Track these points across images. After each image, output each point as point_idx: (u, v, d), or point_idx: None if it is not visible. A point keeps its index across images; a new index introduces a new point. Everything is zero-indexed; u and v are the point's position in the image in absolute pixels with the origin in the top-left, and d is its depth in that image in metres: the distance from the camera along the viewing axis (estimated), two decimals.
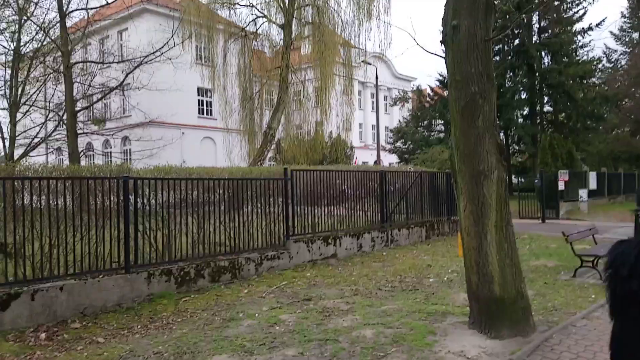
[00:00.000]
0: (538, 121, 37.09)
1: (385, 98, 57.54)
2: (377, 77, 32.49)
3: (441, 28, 5.69)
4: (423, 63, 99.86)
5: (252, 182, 10.01)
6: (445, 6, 5.54)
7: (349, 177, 12.46)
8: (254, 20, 26.73)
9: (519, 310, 5.62)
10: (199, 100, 40.87)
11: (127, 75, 23.68)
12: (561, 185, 22.75)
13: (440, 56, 5.64)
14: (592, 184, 26.06)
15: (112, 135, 27.88)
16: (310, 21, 26.42)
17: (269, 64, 27.29)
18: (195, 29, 25.99)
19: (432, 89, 35.83)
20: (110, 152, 42.15)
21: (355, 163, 37.08)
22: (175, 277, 8.10)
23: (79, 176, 7.94)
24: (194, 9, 25.23)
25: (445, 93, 35.68)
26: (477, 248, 5.62)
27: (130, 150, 41.03)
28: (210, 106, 40.62)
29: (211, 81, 27.38)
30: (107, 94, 24.09)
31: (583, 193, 23.74)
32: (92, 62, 24.36)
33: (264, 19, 26.57)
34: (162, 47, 24.94)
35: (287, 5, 25.40)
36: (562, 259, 10.75)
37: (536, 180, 23.19)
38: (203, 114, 41.26)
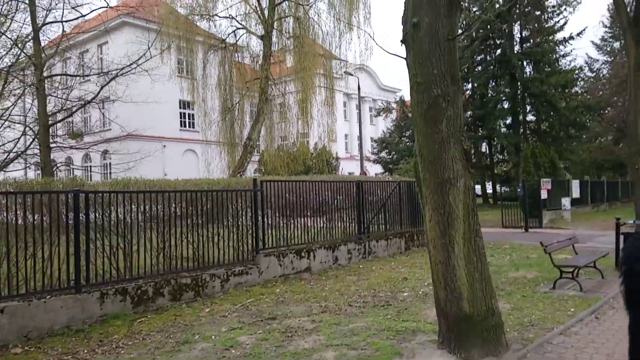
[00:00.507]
0: (522, 130, 37.10)
1: (370, 109, 57.53)
2: (359, 88, 32.32)
3: (402, 26, 5.33)
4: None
5: (219, 194, 9.56)
6: (405, 2, 5.19)
7: (324, 187, 12.04)
8: (233, 31, 26.48)
9: (490, 328, 5.23)
10: (180, 112, 40.43)
11: (102, 87, 23.15)
12: (544, 194, 22.55)
13: (402, 57, 5.28)
14: (575, 192, 25.92)
15: (88, 149, 27.25)
16: (291, 32, 26.20)
17: (249, 75, 26.92)
18: (174, 40, 25.61)
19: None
20: (90, 166, 41.50)
21: (341, 174, 36.75)
22: (131, 296, 7.60)
23: (28, 190, 7.45)
24: (173, 21, 24.90)
25: None
26: (445, 262, 5.23)
27: (110, 164, 40.48)
28: (193, 118, 40.13)
29: (190, 93, 27.05)
30: (81, 107, 23.46)
31: (566, 202, 23.56)
32: (66, 75, 23.83)
33: (244, 31, 26.29)
34: (139, 59, 24.49)
35: (266, 16, 25.14)
36: (543, 269, 10.42)
37: (518, 190, 22.98)
38: (185, 126, 40.81)
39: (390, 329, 6.44)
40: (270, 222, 10.60)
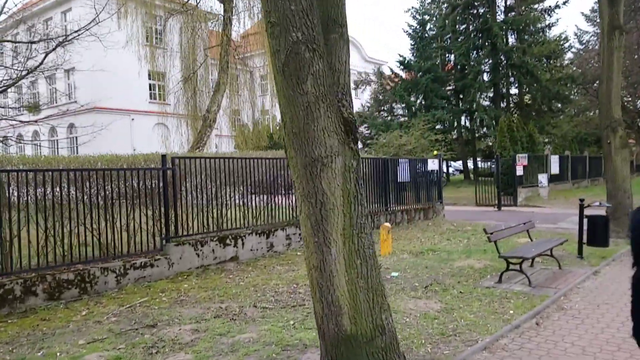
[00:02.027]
0: (505, 104, 35.82)
1: (354, 83, 55.85)
2: None
3: None
4: (398, 46, 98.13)
5: (120, 172, 8.25)
6: None
7: (258, 165, 10.73)
8: None
9: (379, 351, 4.01)
10: (150, 84, 38.70)
11: (45, 55, 21.32)
12: (519, 170, 21.40)
13: None
14: (554, 168, 24.82)
15: (37, 122, 25.53)
16: None
17: (213, 42, 25.27)
18: (131, 3, 23.92)
19: (392, 70, 34.18)
20: (57, 140, 39.92)
21: None
22: None
23: None
24: None
25: (406, 75, 34.15)
26: (319, 266, 3.98)
27: (76, 138, 38.94)
28: (163, 90, 38.45)
29: (150, 62, 25.41)
30: (24, 77, 21.65)
31: (543, 178, 22.44)
32: (4, 40, 21.91)
33: None
34: (89, 24, 22.82)
35: None
36: (496, 257, 9.21)
37: (493, 165, 21.81)
38: (155, 98, 39.13)
39: (281, 342, 5.23)
40: (193, 204, 9.34)
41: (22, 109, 27.33)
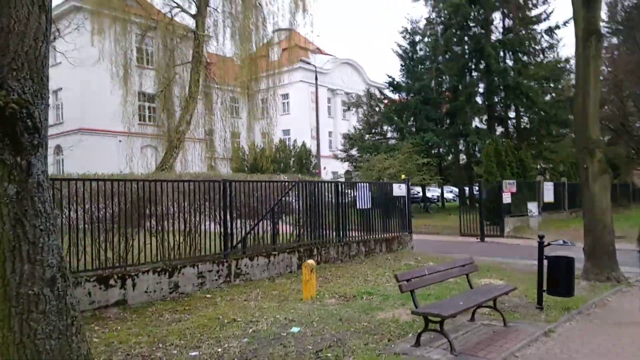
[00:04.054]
0: (503, 128, 34.11)
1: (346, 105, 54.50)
2: (316, 79, 29.59)
3: None
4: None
5: None
6: None
7: (165, 188, 9.15)
8: (170, 10, 23.68)
9: None
10: (140, 105, 37.67)
11: None
12: (506, 198, 19.61)
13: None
14: (548, 196, 22.95)
15: None
16: (229, 11, 23.31)
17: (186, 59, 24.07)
18: (106, 20, 22.85)
19: (380, 91, 32.74)
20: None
21: (319, 173, 33.95)
22: None
23: None
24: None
25: (395, 96, 32.71)
26: None
27: (62, 160, 37.97)
28: (154, 112, 37.46)
29: (122, 80, 24.12)
30: None
31: (532, 207, 20.61)
32: None
33: (178, 9, 23.47)
34: (53, 39, 21.75)
35: None
36: None
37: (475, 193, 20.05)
38: (145, 120, 38.07)
39: None
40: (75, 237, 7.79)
41: None
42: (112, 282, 7.92)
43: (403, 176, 18.42)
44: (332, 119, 56.66)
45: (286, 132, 51.67)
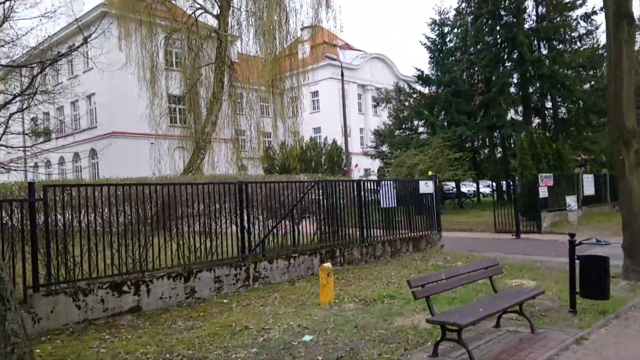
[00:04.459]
0: (540, 121, 32.92)
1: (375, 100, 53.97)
2: (342, 74, 29.02)
3: None
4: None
5: None
6: None
7: (181, 192, 8.99)
8: (193, 12, 23.71)
9: None
10: (170, 107, 38.18)
11: (33, 79, 20.66)
12: (543, 192, 18.78)
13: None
14: (589, 189, 21.91)
15: (37, 153, 24.92)
16: (252, 9, 23.16)
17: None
18: (132, 24, 23.08)
19: (409, 85, 32.03)
20: (80, 166, 40.07)
21: (349, 171, 33.66)
22: None
23: None
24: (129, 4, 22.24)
25: (425, 89, 31.97)
26: None
27: (97, 163, 38.87)
28: (184, 114, 37.99)
29: (150, 83, 24.26)
30: (11, 101, 20.86)
31: (571, 200, 19.66)
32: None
33: (201, 10, 23.48)
34: (81, 45, 22.04)
35: None
36: None
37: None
38: (176, 122, 38.54)
39: None
40: (84, 243, 7.70)
41: (32, 135, 26.79)
42: (125, 288, 7.79)
43: (430, 172, 17.86)
44: (363, 115, 56.13)
45: (317, 130, 51.37)
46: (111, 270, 7.79)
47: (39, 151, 25.98)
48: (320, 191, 11.42)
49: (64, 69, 38.00)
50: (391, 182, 13.79)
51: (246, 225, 9.69)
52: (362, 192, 12.32)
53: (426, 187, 13.98)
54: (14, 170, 28.19)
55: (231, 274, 9.21)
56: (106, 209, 8.05)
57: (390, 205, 13.07)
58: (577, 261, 7.11)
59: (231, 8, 22.64)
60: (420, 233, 13.75)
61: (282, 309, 7.89)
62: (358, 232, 12.06)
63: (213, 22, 23.57)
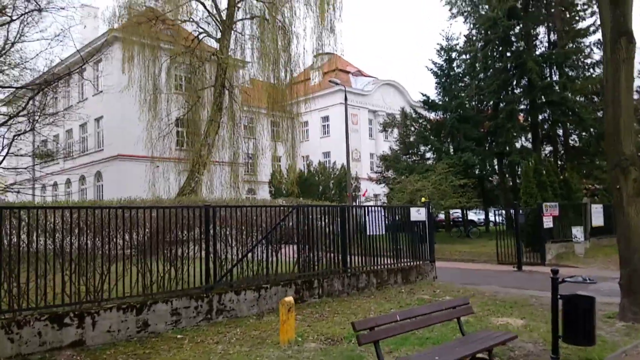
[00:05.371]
0: (552, 148, 32.04)
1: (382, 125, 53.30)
2: (345, 99, 28.52)
3: None
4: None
5: None
6: None
7: (135, 216, 8.43)
8: (197, 36, 23.59)
9: None
10: (178, 131, 38.13)
11: (29, 100, 20.54)
12: (547, 222, 17.90)
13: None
14: (597, 219, 20.88)
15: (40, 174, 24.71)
16: (253, 33, 22.99)
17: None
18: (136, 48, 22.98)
19: (415, 111, 31.46)
20: (85, 189, 40.02)
21: (349, 196, 32.95)
22: None
23: None
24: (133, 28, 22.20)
25: (431, 115, 31.39)
26: None
27: (102, 186, 38.77)
28: (183, 137, 37.83)
29: (152, 106, 23.95)
30: (4, 123, 20.64)
31: (577, 232, 18.71)
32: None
33: (204, 34, 23.35)
34: (78, 68, 22.00)
35: (224, 17, 22.17)
36: None
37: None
38: (183, 145, 38.42)
39: None
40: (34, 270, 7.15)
41: (35, 157, 26.64)
42: (67, 320, 7.17)
43: (423, 199, 17.11)
44: (374, 140, 55.72)
45: (326, 154, 50.95)
46: (52, 301, 7.18)
47: (44, 174, 25.85)
48: (300, 217, 10.77)
49: (73, 92, 38.41)
50: (381, 208, 13.10)
51: (212, 253, 9.05)
52: (347, 219, 11.65)
53: (418, 214, 13.24)
54: (16, 192, 28.01)
55: (191, 306, 8.54)
56: (58, 233, 7.52)
57: (378, 233, 12.36)
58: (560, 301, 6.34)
59: (234, 32, 22.45)
60: (410, 263, 12.97)
61: (236, 347, 7.19)
62: (340, 262, 11.33)
63: (216, 46, 23.43)
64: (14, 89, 21.26)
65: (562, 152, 31.56)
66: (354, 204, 33.69)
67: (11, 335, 6.69)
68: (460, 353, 5.05)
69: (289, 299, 7.48)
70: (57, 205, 8.20)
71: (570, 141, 30.98)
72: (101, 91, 34.66)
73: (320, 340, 7.55)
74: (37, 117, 21.99)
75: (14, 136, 21.39)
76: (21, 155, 24.27)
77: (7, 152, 21.13)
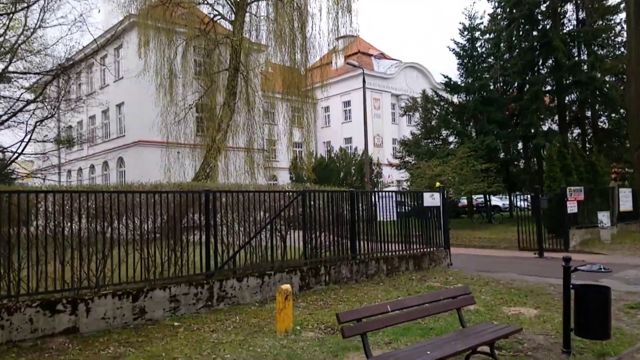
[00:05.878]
0: (580, 131, 30.96)
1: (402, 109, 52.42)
2: (364, 82, 27.78)
3: None
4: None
5: None
6: None
7: (131, 201, 8.21)
8: (211, 19, 23.28)
9: None
10: (197, 117, 38.09)
11: (45, 86, 20.62)
12: (571, 207, 17.18)
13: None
14: (626, 204, 20.04)
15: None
16: (268, 15, 22.55)
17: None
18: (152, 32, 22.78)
19: (437, 93, 30.61)
20: (108, 174, 40.38)
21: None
22: None
23: None
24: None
25: (454, 98, 30.56)
26: None
27: (124, 172, 39.05)
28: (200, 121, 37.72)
29: (168, 91, 23.81)
30: (24, 107, 20.76)
31: (603, 217, 17.94)
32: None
33: (218, 17, 23.02)
34: (93, 54, 22.02)
35: None
36: None
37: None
38: (204, 131, 38.39)
39: None
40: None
41: (55, 142, 26.88)
42: (60, 307, 7.01)
43: (437, 184, 16.57)
44: (397, 125, 54.81)
45: (348, 140, 50.41)
46: (44, 287, 7.03)
47: (67, 161, 26.00)
48: (307, 202, 10.43)
49: (95, 78, 38.65)
50: (392, 193, 12.67)
51: (213, 239, 8.80)
52: (356, 204, 11.27)
53: (432, 199, 12.77)
54: (39, 177, 28.37)
55: (190, 293, 8.32)
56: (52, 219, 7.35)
57: (389, 219, 11.95)
58: (573, 291, 5.88)
59: (248, 14, 22.05)
60: (423, 250, 12.53)
61: (232, 336, 6.93)
62: (349, 248, 10.99)
63: (231, 28, 23.10)
64: (35, 75, 21.35)
65: (591, 134, 30.48)
66: (375, 190, 33.28)
67: (3, 320, 6.56)
68: (454, 348, 4.66)
69: (286, 286, 7.18)
70: (51, 189, 7.98)
71: (599, 123, 29.86)
72: (122, 77, 34.79)
73: (319, 329, 7.25)
74: (57, 104, 22.14)
75: (36, 122, 21.55)
76: (44, 142, 24.51)
77: (30, 139, 21.32)
